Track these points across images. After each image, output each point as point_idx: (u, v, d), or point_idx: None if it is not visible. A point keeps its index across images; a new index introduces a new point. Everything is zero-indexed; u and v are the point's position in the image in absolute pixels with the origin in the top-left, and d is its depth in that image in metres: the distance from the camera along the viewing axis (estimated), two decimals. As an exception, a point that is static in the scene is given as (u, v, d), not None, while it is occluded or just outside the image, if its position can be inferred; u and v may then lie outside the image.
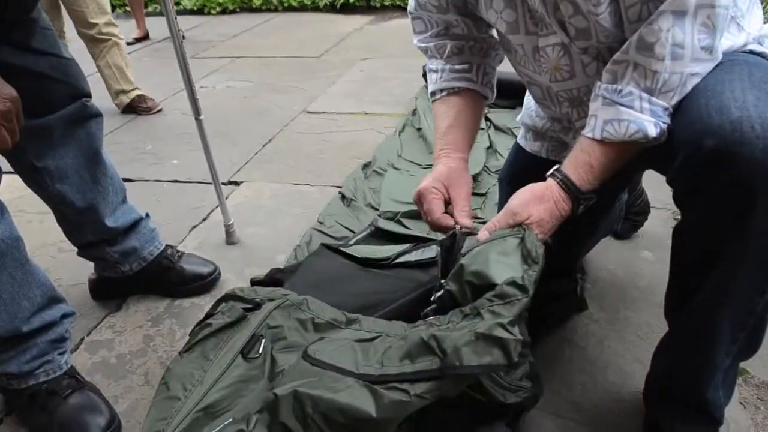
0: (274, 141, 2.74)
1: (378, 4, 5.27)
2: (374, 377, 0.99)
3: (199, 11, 5.94)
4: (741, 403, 1.28)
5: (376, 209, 1.97)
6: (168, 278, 1.64)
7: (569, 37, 1.01)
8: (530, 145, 1.36)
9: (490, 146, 2.44)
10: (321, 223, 1.86)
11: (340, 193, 2.06)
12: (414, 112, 2.79)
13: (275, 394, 0.99)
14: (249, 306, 1.22)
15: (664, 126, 0.91)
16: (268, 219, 2.07)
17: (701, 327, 0.97)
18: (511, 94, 2.79)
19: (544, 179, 1.31)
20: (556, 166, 1.01)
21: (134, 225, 1.59)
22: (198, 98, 1.73)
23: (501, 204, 1.46)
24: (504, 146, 2.44)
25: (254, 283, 1.46)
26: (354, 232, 1.81)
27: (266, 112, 3.11)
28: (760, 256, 0.87)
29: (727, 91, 0.85)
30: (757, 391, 1.32)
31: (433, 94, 1.25)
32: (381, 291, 1.45)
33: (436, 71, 1.24)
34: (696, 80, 0.90)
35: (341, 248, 1.60)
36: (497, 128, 2.60)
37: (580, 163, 0.97)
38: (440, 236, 1.78)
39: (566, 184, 0.98)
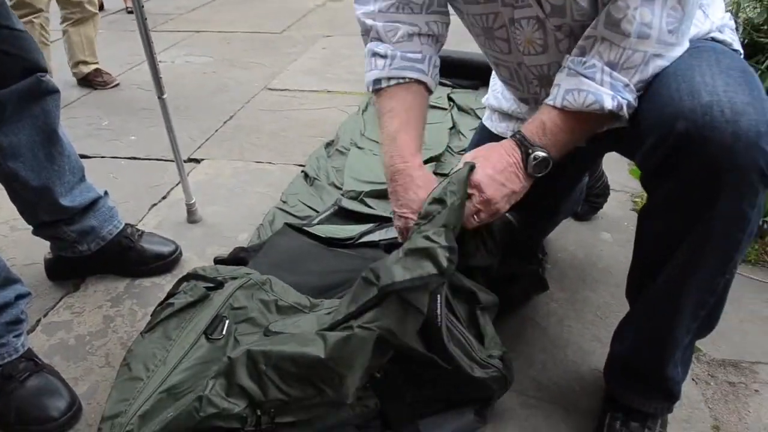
0: (235, 118, 2.69)
1: (340, -20, 5.19)
2: (326, 327, 1.00)
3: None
4: (693, 379, 1.33)
5: (340, 188, 1.96)
6: (128, 258, 1.61)
7: (544, 13, 1.02)
8: (496, 127, 1.37)
9: (453, 126, 2.44)
10: (284, 202, 1.84)
11: (302, 172, 2.04)
12: (377, 90, 2.77)
13: (229, 357, 0.99)
14: (211, 285, 1.20)
15: (623, 102, 0.94)
16: (229, 197, 2.04)
17: (665, 306, 1.00)
18: (473, 75, 2.81)
19: None
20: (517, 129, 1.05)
21: (92, 204, 1.55)
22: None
23: None
24: (467, 127, 2.44)
25: (217, 261, 1.44)
26: (317, 212, 1.80)
27: (227, 89, 3.05)
28: (724, 239, 0.90)
29: (698, 76, 0.87)
30: (708, 368, 1.37)
31: (377, 82, 1.15)
32: (344, 269, 1.45)
33: (383, 56, 1.14)
34: (659, 62, 0.93)
35: (305, 227, 1.60)
36: (460, 108, 2.61)
37: (536, 122, 1.01)
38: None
39: (516, 136, 1.02)
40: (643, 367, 1.09)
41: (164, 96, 1.71)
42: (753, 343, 1.43)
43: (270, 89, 3.03)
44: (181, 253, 1.69)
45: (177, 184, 2.10)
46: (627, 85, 0.94)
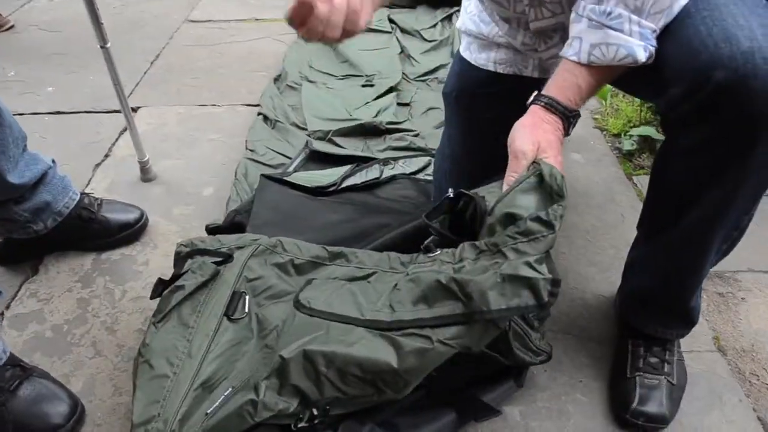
0: (163, 56, 2.46)
1: None
2: (385, 324, 0.93)
3: None
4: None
5: (304, 128, 1.84)
6: (90, 231, 1.45)
7: None
8: (476, 58, 1.28)
9: (402, 51, 2.33)
10: (252, 150, 1.70)
11: (260, 114, 1.90)
12: (311, 15, 2.59)
13: (282, 357, 0.91)
14: (219, 259, 1.10)
15: (653, 49, 0.89)
16: (181, 148, 1.87)
17: (693, 245, 1.00)
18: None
19: (497, 93, 1.26)
20: (535, 93, 0.97)
21: (43, 177, 1.36)
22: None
23: (449, 121, 1.39)
24: (417, 50, 2.34)
25: (212, 230, 1.32)
26: (289, 158, 1.68)
27: (143, 24, 2.77)
28: (758, 182, 0.90)
29: (729, 18, 0.82)
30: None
31: None
32: (341, 221, 1.38)
33: None
34: (682, 2, 0.87)
35: (284, 178, 1.49)
36: (404, 30, 2.49)
37: (568, 84, 0.94)
38: (379, 154, 1.71)
39: (553, 106, 0.94)
40: (666, 301, 1.10)
41: (108, 45, 1.51)
42: (731, 254, 1.48)
43: (192, 21, 2.78)
44: (147, 219, 1.54)
45: (118, 139, 1.91)
46: (654, 31, 0.88)
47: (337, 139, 1.77)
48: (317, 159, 1.66)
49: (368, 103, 1.97)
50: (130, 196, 1.64)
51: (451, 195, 1.05)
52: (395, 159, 1.67)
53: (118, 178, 1.74)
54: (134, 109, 2.09)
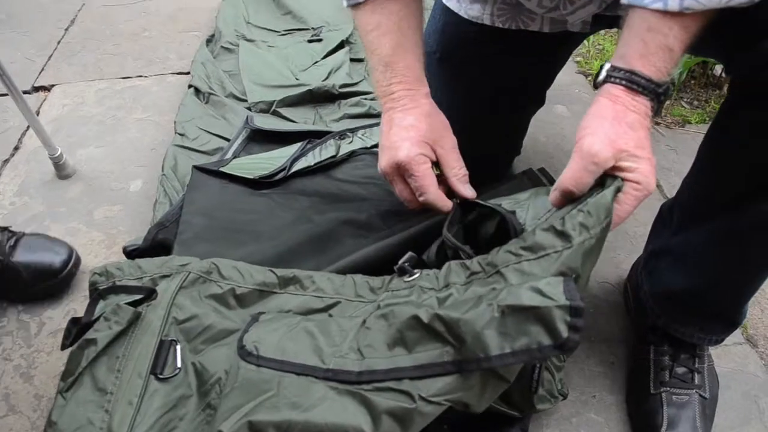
0: (78, 22, 2.14)
1: None
2: (354, 375, 0.72)
3: None
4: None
5: (243, 100, 1.58)
6: None
7: None
8: (466, 9, 1.01)
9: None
10: (181, 135, 1.44)
11: (191, 86, 1.63)
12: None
13: None
14: (139, 296, 0.87)
15: None
16: (102, 133, 1.61)
17: (755, 247, 0.80)
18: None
19: (495, 53, 1.02)
20: (607, 66, 0.71)
21: None
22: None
23: (433, 86, 1.13)
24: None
25: (131, 253, 1.09)
26: (227, 140, 1.43)
27: (54, -18, 2.42)
28: None
29: None
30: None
31: None
32: (293, 222, 1.15)
33: None
34: None
35: (221, 169, 1.26)
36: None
37: (654, 47, 0.68)
38: (333, 128, 1.48)
39: (639, 84, 0.69)
40: (715, 305, 0.90)
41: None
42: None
43: (109, -24, 2.43)
44: (79, 261, 1.21)
45: (28, 127, 1.63)
46: None
47: (283, 111, 1.52)
48: (260, 138, 1.40)
49: (317, 62, 1.71)
50: (42, 197, 1.39)
51: (458, 202, 0.87)
52: (353, 130, 1.42)
53: (30, 177, 1.47)
54: (47, 88, 1.80)
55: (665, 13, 0.66)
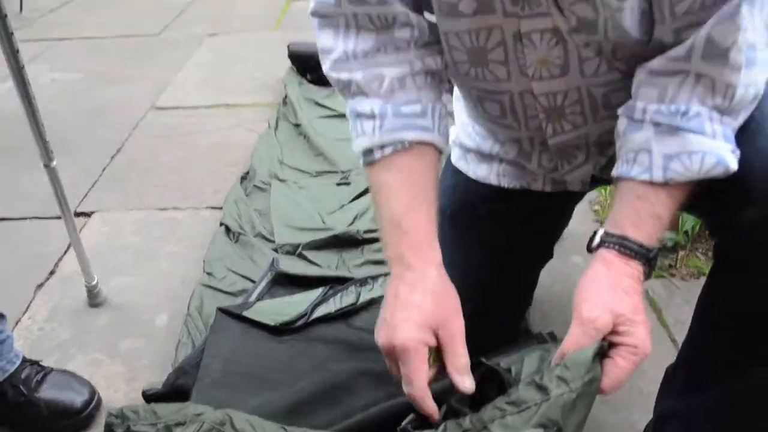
0: (125, 150, 2.29)
1: (214, -35, 4.71)
2: None
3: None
4: None
5: (271, 241, 1.66)
6: (17, 415, 1.17)
7: (569, 25, 0.77)
8: (474, 170, 1.08)
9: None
10: (209, 274, 1.51)
11: (222, 224, 1.72)
12: (285, 101, 2.46)
13: None
14: (151, 446, 0.90)
15: (738, 153, 0.71)
16: (136, 263, 1.69)
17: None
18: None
19: (503, 210, 1.07)
20: (601, 231, 0.77)
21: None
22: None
23: (444, 242, 1.20)
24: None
25: (149, 396, 1.12)
26: (252, 281, 1.50)
27: (106, 111, 2.61)
28: None
29: None
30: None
31: (367, 152, 0.86)
32: (312, 370, 1.19)
33: (371, 116, 0.85)
34: (761, 91, 0.72)
35: (244, 313, 1.31)
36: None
37: (643, 215, 0.74)
38: (355, 274, 1.54)
39: (631, 250, 0.74)
40: None
41: (53, 164, 1.36)
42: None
43: (158, 108, 2.62)
44: (99, 402, 1.23)
45: (66, 252, 1.72)
46: (734, 129, 0.72)
47: (308, 253, 1.59)
48: (285, 281, 1.47)
49: (344, 206, 1.80)
50: (69, 325, 1.45)
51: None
52: (374, 278, 1.48)
53: (62, 303, 1.54)
54: (88, 214, 1.91)
55: (651, 183, 0.73)
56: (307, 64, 2.58)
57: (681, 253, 1.67)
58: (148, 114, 2.57)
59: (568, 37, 0.78)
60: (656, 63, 0.74)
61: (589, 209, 1.87)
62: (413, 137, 0.85)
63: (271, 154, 2.09)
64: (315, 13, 0.87)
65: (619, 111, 0.79)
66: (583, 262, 1.67)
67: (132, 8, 4.06)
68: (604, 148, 0.94)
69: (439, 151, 0.90)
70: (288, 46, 2.71)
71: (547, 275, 1.39)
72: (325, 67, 0.88)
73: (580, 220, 1.78)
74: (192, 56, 3.18)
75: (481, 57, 0.85)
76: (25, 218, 1.91)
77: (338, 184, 1.93)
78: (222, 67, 3.02)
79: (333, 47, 0.86)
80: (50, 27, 3.75)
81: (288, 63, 2.71)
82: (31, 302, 1.56)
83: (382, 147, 0.85)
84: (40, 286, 1.61)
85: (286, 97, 2.47)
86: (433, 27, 0.86)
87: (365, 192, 1.87)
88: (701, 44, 0.70)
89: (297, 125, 2.26)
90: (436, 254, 0.84)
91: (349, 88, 0.86)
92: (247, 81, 2.83)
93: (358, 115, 0.86)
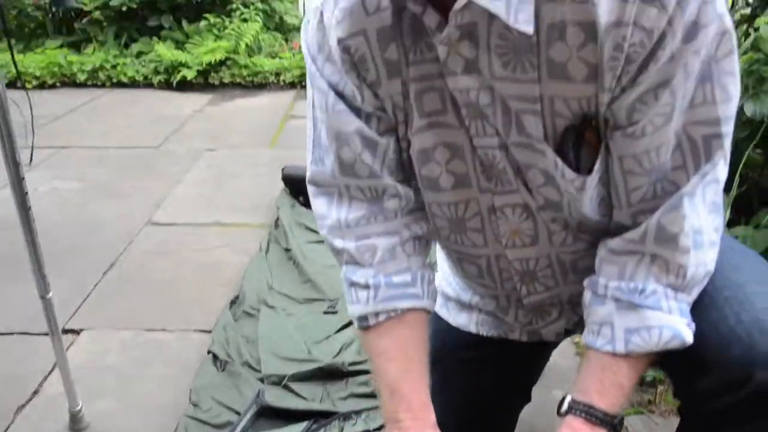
0: (117, 266, 2.34)
1: (216, 82, 4.96)
2: None
3: (11, 85, 5.19)
4: None
5: (257, 370, 1.69)
6: None
7: (536, 204, 0.86)
8: (454, 318, 1.15)
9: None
10: (195, 405, 1.53)
11: (210, 352, 1.75)
12: (277, 224, 2.55)
13: None
14: None
15: (693, 326, 0.78)
16: (120, 387, 1.69)
17: None
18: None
19: (482, 357, 1.12)
20: (568, 398, 0.82)
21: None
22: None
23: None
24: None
25: None
26: (237, 413, 1.51)
27: (102, 225, 2.67)
28: None
29: (758, 302, 0.75)
30: None
31: (362, 319, 0.92)
32: None
33: (365, 287, 0.91)
34: (711, 270, 0.80)
35: (227, 450, 1.32)
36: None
37: (607, 384, 0.80)
38: (340, 407, 1.56)
39: (597, 417, 0.79)
40: None
41: (49, 296, 1.40)
42: None
43: (154, 224, 2.70)
44: None
45: (51, 372, 1.73)
46: (689, 304, 0.80)
47: (293, 385, 1.62)
48: (269, 413, 1.49)
49: (329, 336, 1.84)
50: (51, 455, 1.44)
51: None
52: (357, 412, 1.51)
53: (42, 426, 1.54)
54: (77, 332, 1.93)
55: (614, 354, 0.79)
56: (299, 187, 2.68)
57: (660, 388, 1.71)
58: (144, 229, 2.64)
59: (537, 213, 0.87)
60: (615, 243, 0.82)
61: (570, 342, 1.92)
62: (406, 306, 0.92)
63: (261, 278, 2.15)
64: (311, 182, 0.95)
65: (585, 283, 0.87)
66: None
67: (133, 119, 4.23)
68: (576, 307, 1.01)
69: (427, 313, 0.97)
70: (282, 170, 2.83)
71: (528, 411, 1.43)
72: (322, 231, 0.96)
73: (562, 355, 1.82)
74: (190, 170, 3.30)
75: (460, 225, 0.94)
76: (12, 333, 1.92)
77: (325, 313, 1.98)
78: (218, 182, 3.13)
79: (327, 214, 0.93)
80: (55, 134, 3.87)
81: (279, 182, 2.83)
82: (10, 425, 1.55)
83: (376, 314, 0.91)
84: (21, 407, 1.61)
85: (278, 219, 2.56)
86: (418, 195, 0.94)
87: (351, 323, 1.92)
88: (653, 230, 0.78)
89: (287, 250, 2.33)
90: (430, 415, 0.89)
91: (342, 256, 0.94)
92: (241, 199, 2.92)
93: (352, 284, 0.93)
